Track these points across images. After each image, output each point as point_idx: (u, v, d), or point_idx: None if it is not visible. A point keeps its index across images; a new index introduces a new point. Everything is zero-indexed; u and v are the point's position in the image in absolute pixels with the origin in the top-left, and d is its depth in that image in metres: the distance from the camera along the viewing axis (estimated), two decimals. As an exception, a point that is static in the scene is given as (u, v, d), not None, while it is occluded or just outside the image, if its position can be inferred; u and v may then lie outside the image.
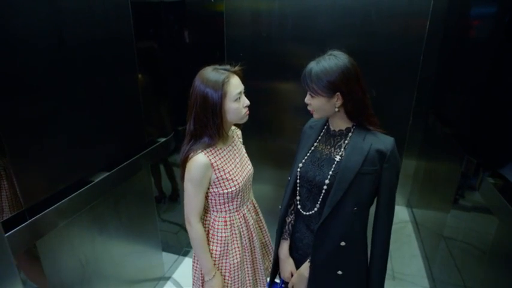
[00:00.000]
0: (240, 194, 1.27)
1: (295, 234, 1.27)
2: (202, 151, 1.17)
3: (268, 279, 1.45)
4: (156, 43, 1.96)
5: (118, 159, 1.64)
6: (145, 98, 1.81)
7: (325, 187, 1.10)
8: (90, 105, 1.44)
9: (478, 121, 1.75)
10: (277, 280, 1.41)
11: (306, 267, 1.20)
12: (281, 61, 1.77)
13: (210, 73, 1.14)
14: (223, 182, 1.21)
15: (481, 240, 1.60)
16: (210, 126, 1.15)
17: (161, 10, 1.96)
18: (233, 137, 1.33)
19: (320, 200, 1.13)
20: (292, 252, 1.29)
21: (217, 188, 1.22)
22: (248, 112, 1.22)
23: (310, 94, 1.07)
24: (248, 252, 1.36)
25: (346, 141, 1.11)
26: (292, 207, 1.28)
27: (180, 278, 2.30)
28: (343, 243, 1.11)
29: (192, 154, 1.17)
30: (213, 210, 1.29)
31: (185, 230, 2.38)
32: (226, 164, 1.22)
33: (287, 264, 1.28)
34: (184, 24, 2.07)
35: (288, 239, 1.28)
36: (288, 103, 1.88)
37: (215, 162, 1.19)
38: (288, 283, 1.32)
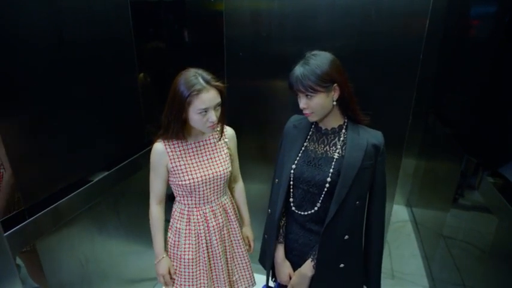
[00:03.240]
0: (199, 191, 1.28)
1: (288, 235, 1.26)
2: (162, 140, 1.24)
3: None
4: (156, 43, 1.96)
5: (117, 158, 1.65)
6: (145, 98, 1.81)
7: (327, 185, 1.11)
8: (90, 105, 1.44)
9: (478, 121, 1.75)
10: (271, 284, 1.41)
11: (308, 266, 1.20)
12: (281, 60, 1.77)
13: (190, 77, 1.14)
14: (178, 173, 1.25)
15: (480, 240, 1.60)
16: (171, 126, 1.18)
17: (161, 10, 1.96)
18: (212, 135, 1.32)
19: (321, 199, 1.13)
20: (287, 254, 1.28)
21: (173, 177, 1.27)
22: (212, 126, 1.19)
23: (307, 95, 1.06)
24: (204, 254, 1.34)
25: (341, 139, 1.13)
26: (283, 222, 1.26)
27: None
28: (346, 237, 1.13)
29: (154, 143, 1.25)
30: (176, 201, 1.36)
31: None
32: (185, 157, 1.26)
33: (284, 267, 1.28)
34: (183, 24, 2.07)
35: (283, 242, 1.28)
36: (287, 102, 1.88)
37: (171, 151, 1.24)
38: (284, 286, 1.32)
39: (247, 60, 1.83)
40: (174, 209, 1.37)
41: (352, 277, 1.23)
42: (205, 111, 1.14)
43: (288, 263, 1.28)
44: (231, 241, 1.45)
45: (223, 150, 1.34)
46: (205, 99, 1.12)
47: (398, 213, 3.06)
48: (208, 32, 2.08)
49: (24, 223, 1.15)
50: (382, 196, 1.18)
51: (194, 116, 1.15)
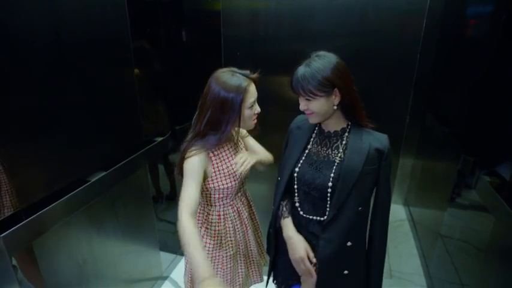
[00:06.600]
0: (235, 189, 1.29)
1: None
2: (205, 150, 1.19)
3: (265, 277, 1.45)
4: (153, 42, 1.95)
5: (115, 158, 1.64)
6: (143, 97, 1.81)
7: (329, 190, 1.09)
8: (87, 104, 1.43)
9: (475, 120, 1.76)
10: (272, 287, 1.41)
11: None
12: (278, 60, 1.77)
13: (231, 78, 1.14)
14: (221, 177, 1.24)
15: (477, 238, 1.61)
16: (221, 129, 1.16)
17: (158, 9, 1.95)
18: (236, 131, 1.34)
19: (327, 204, 1.12)
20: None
21: (215, 182, 1.24)
22: (256, 121, 1.23)
23: (306, 99, 1.05)
24: (242, 245, 1.38)
25: (343, 142, 1.11)
26: (285, 202, 1.25)
27: (178, 277, 2.30)
28: (349, 243, 1.11)
29: (194, 151, 1.17)
30: (207, 205, 1.31)
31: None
32: (224, 160, 1.25)
33: (299, 241, 1.16)
34: (181, 23, 2.06)
35: (290, 216, 1.21)
36: (284, 102, 1.88)
37: (214, 157, 1.23)
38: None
39: (244, 60, 1.82)
40: (206, 213, 1.32)
41: (357, 284, 1.21)
42: (254, 104, 1.18)
43: (302, 237, 1.17)
44: (254, 219, 1.50)
45: (241, 144, 1.37)
46: (253, 91, 1.17)
47: (396, 213, 3.06)
48: (205, 32, 2.07)
49: (20, 224, 1.14)
50: (385, 203, 1.15)
51: (246, 112, 1.17)
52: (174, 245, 2.40)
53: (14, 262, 1.19)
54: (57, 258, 1.36)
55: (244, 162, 1.21)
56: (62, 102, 1.29)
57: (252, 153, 1.36)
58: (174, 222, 2.37)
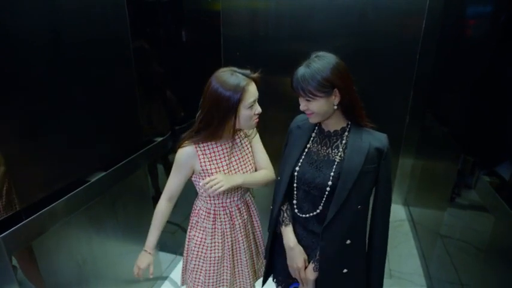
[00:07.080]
0: (227, 191, 1.27)
1: None
2: (193, 143, 1.22)
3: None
4: (153, 42, 1.95)
5: (115, 158, 1.64)
6: (142, 97, 1.81)
7: (328, 189, 1.10)
8: (87, 105, 1.43)
9: (475, 120, 1.76)
10: (272, 285, 1.41)
11: (309, 270, 1.20)
12: (278, 60, 1.77)
13: (230, 77, 1.14)
14: (209, 176, 1.23)
15: (477, 238, 1.61)
16: (213, 126, 1.17)
17: (158, 9, 1.95)
18: (238, 135, 1.33)
19: (323, 202, 1.13)
20: None
21: (202, 179, 1.24)
22: (257, 120, 1.23)
23: (306, 99, 1.06)
24: (229, 252, 1.36)
25: (343, 141, 1.12)
26: (286, 206, 1.26)
27: (178, 277, 2.29)
28: (348, 242, 1.12)
29: (184, 143, 1.23)
30: (201, 199, 1.34)
31: (183, 230, 2.37)
32: (215, 159, 1.25)
33: (298, 252, 1.20)
34: (181, 23, 2.06)
35: (290, 224, 1.23)
36: (284, 102, 1.88)
37: (202, 154, 1.24)
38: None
39: (244, 60, 1.83)
40: (198, 207, 1.36)
41: (357, 283, 1.21)
42: (254, 104, 1.18)
43: (301, 248, 1.21)
44: (256, 234, 1.48)
45: (248, 149, 1.36)
46: (253, 91, 1.17)
47: (396, 213, 3.06)
48: (205, 32, 2.07)
49: (20, 224, 1.14)
50: (386, 202, 1.16)
51: (245, 112, 1.17)
52: (173, 245, 2.40)
53: (14, 262, 1.19)
54: (57, 258, 1.36)
55: (214, 185, 1.15)
56: (61, 102, 1.29)
57: (241, 172, 1.30)
58: (174, 222, 2.37)
